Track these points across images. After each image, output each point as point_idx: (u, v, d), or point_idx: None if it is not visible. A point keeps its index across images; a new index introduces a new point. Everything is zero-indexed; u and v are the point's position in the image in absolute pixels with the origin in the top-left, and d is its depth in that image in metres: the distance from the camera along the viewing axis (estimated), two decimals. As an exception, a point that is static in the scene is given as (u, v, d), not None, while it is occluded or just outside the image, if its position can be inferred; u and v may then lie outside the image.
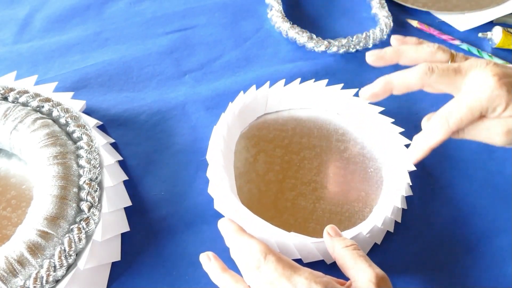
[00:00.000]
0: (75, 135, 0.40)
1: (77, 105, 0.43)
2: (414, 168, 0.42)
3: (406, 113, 0.49)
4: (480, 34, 0.56)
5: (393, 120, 0.46)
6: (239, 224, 0.34)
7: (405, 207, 0.42)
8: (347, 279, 0.33)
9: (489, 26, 0.57)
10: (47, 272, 0.33)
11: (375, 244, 0.40)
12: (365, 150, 0.46)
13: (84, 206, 0.36)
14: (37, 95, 0.42)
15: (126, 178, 0.41)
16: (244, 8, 0.57)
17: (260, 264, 0.30)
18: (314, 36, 0.53)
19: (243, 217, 0.38)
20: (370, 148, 0.46)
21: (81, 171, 0.38)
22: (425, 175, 0.45)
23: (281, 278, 0.30)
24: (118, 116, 0.47)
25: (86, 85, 0.49)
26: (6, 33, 0.54)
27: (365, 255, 0.33)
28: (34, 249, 0.33)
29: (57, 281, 0.34)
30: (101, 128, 0.46)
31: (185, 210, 0.41)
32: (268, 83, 0.47)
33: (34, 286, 0.33)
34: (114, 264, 0.38)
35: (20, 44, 0.53)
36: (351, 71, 0.52)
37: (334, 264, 0.38)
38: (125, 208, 0.40)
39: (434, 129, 0.34)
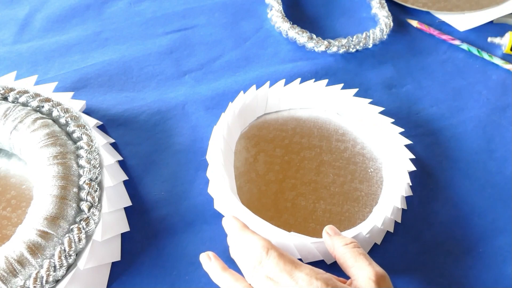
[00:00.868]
0: (75, 135, 0.40)
1: (77, 105, 0.43)
2: (414, 168, 0.42)
3: (406, 113, 0.49)
4: (489, 39, 0.56)
5: (393, 120, 0.46)
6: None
7: (405, 207, 0.42)
8: (347, 278, 0.33)
9: (490, 26, 0.57)
10: (47, 272, 0.33)
11: (375, 244, 0.40)
12: (365, 150, 0.46)
13: (84, 206, 0.36)
14: (37, 95, 0.42)
15: (126, 178, 0.41)
16: (244, 8, 0.57)
17: (262, 259, 0.31)
18: (314, 36, 0.53)
19: (243, 217, 0.37)
20: (370, 148, 0.46)
21: (81, 171, 0.38)
22: (425, 175, 0.45)
23: (282, 273, 0.30)
24: (118, 116, 0.47)
25: (86, 85, 0.49)
26: (6, 33, 0.54)
27: (365, 253, 0.33)
28: (34, 249, 0.33)
29: (57, 281, 0.34)
30: (101, 128, 0.46)
31: (185, 210, 0.41)
32: (268, 83, 0.47)
33: (34, 286, 0.33)
34: (114, 264, 0.38)
35: (20, 44, 0.53)
36: (351, 71, 0.52)
37: (334, 264, 0.38)
38: (125, 208, 0.40)
39: None
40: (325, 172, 0.44)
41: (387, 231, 0.41)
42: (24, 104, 0.41)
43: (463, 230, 0.42)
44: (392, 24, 0.55)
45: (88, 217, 0.36)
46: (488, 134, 0.48)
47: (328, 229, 0.36)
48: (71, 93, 0.44)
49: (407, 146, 0.44)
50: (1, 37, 0.53)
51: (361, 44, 0.53)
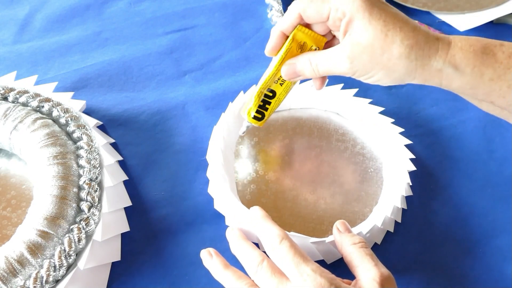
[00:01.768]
0: (75, 135, 0.40)
1: (77, 105, 0.43)
2: (414, 168, 0.42)
3: (406, 113, 0.49)
4: None
5: (393, 120, 0.46)
6: (245, 221, 0.35)
7: (405, 207, 0.42)
8: (349, 278, 0.33)
9: (490, 26, 0.57)
10: (47, 272, 0.33)
11: (375, 244, 0.40)
12: (365, 150, 0.46)
13: (84, 206, 0.36)
14: (37, 95, 0.42)
15: (126, 178, 0.41)
16: (244, 8, 0.57)
17: (275, 246, 0.31)
18: (314, 36, 0.53)
19: (243, 217, 0.37)
20: (370, 148, 0.46)
21: (81, 171, 0.38)
22: (425, 175, 0.45)
23: (290, 263, 0.30)
24: (118, 116, 0.47)
25: (86, 85, 0.49)
26: (6, 33, 0.54)
27: (372, 253, 0.33)
28: (34, 249, 0.33)
29: (57, 281, 0.34)
30: (101, 128, 0.46)
31: (185, 210, 0.41)
32: (268, 83, 0.47)
33: (34, 286, 0.33)
34: (114, 264, 0.38)
35: (20, 44, 0.53)
36: (351, 71, 0.52)
37: (334, 264, 0.38)
38: (125, 208, 0.40)
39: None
40: (325, 172, 0.44)
41: (387, 231, 0.41)
42: (24, 104, 0.41)
43: (463, 230, 0.42)
44: (392, 24, 0.55)
45: (88, 217, 0.36)
46: (488, 134, 0.48)
47: (338, 225, 0.36)
48: (71, 93, 0.44)
49: (407, 146, 0.44)
50: (1, 37, 0.54)
51: (361, 44, 0.53)
